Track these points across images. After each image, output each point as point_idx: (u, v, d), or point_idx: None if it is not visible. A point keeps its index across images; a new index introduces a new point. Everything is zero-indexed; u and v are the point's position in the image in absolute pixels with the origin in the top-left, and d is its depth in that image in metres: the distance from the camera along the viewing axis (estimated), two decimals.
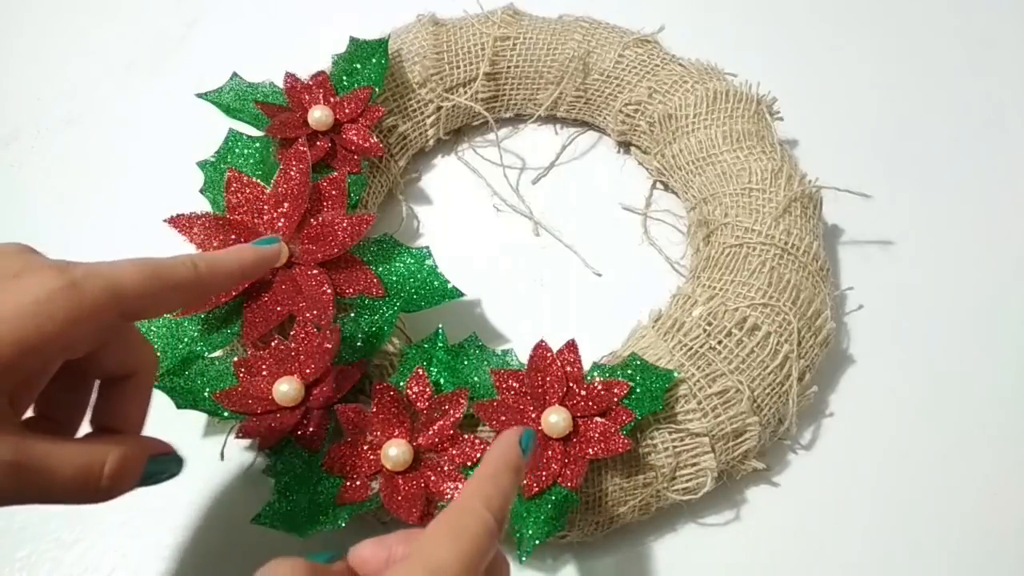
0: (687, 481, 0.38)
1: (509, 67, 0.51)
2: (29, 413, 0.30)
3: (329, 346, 0.37)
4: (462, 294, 0.41)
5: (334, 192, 0.41)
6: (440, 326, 0.40)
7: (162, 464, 0.31)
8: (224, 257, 0.32)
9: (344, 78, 0.47)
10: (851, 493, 0.42)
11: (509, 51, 0.51)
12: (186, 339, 0.39)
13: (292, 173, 0.41)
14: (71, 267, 0.27)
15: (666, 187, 0.51)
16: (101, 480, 0.28)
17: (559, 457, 0.35)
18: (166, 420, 0.41)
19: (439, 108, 0.50)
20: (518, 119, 0.54)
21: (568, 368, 0.37)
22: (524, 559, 0.34)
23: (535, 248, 0.50)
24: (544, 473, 0.35)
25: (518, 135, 0.54)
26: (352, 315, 0.40)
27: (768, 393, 0.40)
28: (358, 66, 0.47)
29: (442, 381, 0.39)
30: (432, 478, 0.35)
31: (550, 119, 0.54)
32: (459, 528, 0.25)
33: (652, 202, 0.51)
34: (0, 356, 0.25)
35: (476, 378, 0.39)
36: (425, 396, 0.37)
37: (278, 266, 0.39)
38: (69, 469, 0.27)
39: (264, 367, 0.38)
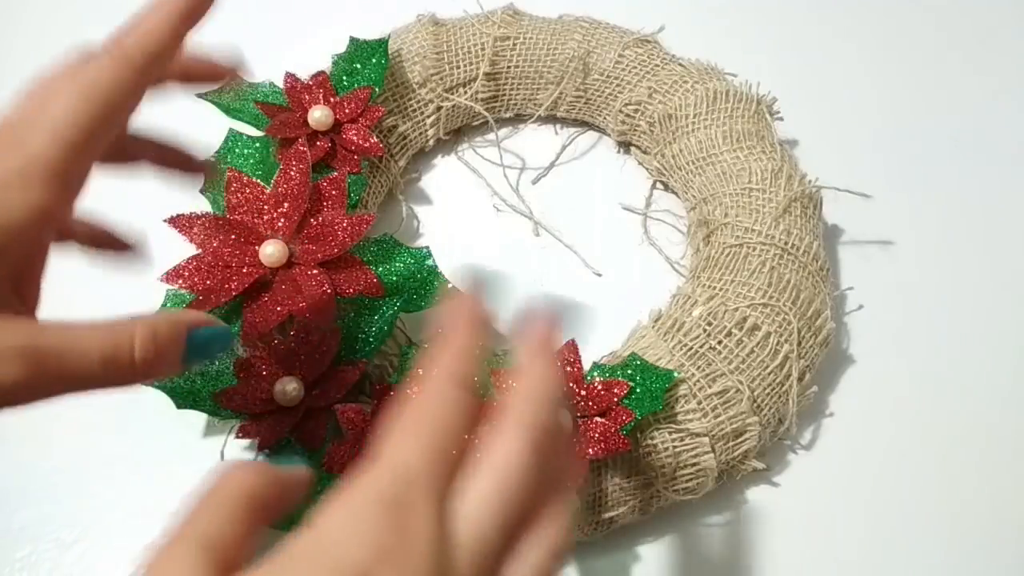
0: (687, 481, 0.38)
1: (509, 67, 0.51)
2: None
3: (329, 346, 0.37)
4: None
5: (334, 192, 0.41)
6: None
7: (205, 335, 0.27)
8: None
9: (344, 78, 0.47)
10: (851, 493, 0.42)
11: (509, 51, 0.51)
12: None
13: (292, 173, 0.41)
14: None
15: (666, 187, 0.51)
16: (133, 354, 0.25)
17: None
18: (166, 420, 0.41)
19: (439, 108, 0.50)
20: (518, 119, 0.54)
21: (568, 368, 0.37)
22: None
23: (535, 248, 0.50)
24: None
25: (518, 135, 0.54)
26: (352, 315, 0.40)
27: (768, 393, 0.40)
28: (358, 66, 0.47)
29: None
30: None
31: (550, 119, 0.54)
32: (423, 417, 0.22)
33: (652, 202, 0.51)
34: None
35: (476, 378, 0.39)
36: None
37: (278, 266, 0.39)
38: (95, 347, 0.25)
39: (264, 367, 0.38)
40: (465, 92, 0.51)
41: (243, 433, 0.37)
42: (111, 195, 0.51)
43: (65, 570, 0.39)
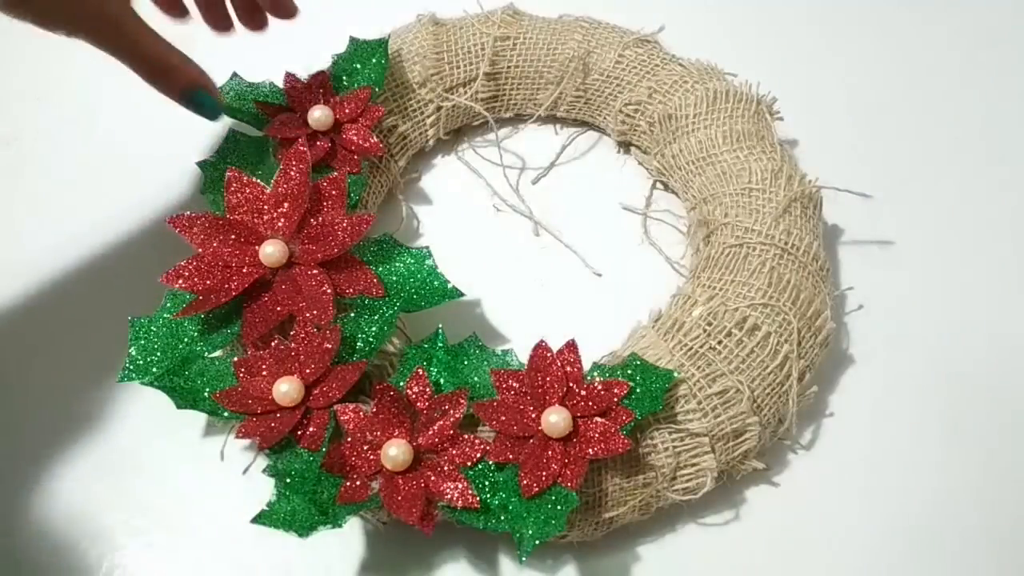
0: (687, 481, 0.38)
1: (509, 67, 0.51)
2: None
3: (329, 346, 0.37)
4: (462, 294, 0.41)
5: (334, 192, 0.41)
6: (440, 326, 0.40)
7: (206, 98, 0.41)
8: None
9: (344, 78, 0.47)
10: (851, 493, 0.42)
11: (509, 51, 0.51)
12: (186, 339, 0.39)
13: (292, 173, 0.41)
14: None
15: (666, 187, 0.51)
16: (170, 61, 0.39)
17: (559, 457, 0.35)
18: (166, 420, 0.41)
19: (439, 108, 0.50)
20: (518, 119, 0.54)
21: (568, 368, 0.37)
22: (524, 559, 0.34)
23: (535, 248, 0.50)
24: (544, 473, 0.35)
25: (518, 135, 0.54)
26: (352, 315, 0.40)
27: (768, 393, 0.40)
28: (358, 66, 0.47)
29: (442, 381, 0.39)
30: (432, 478, 0.36)
31: (550, 119, 0.54)
32: None
33: (652, 202, 0.51)
34: None
35: (476, 378, 0.39)
36: (425, 396, 0.37)
37: (278, 266, 0.39)
38: (152, 44, 0.39)
39: (264, 367, 0.38)
40: (465, 92, 0.51)
41: (243, 433, 0.37)
42: (112, 196, 0.51)
43: (65, 570, 0.39)
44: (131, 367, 0.39)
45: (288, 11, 0.44)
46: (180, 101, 0.41)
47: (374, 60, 0.47)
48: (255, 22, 0.45)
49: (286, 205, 0.40)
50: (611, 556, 0.40)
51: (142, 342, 0.40)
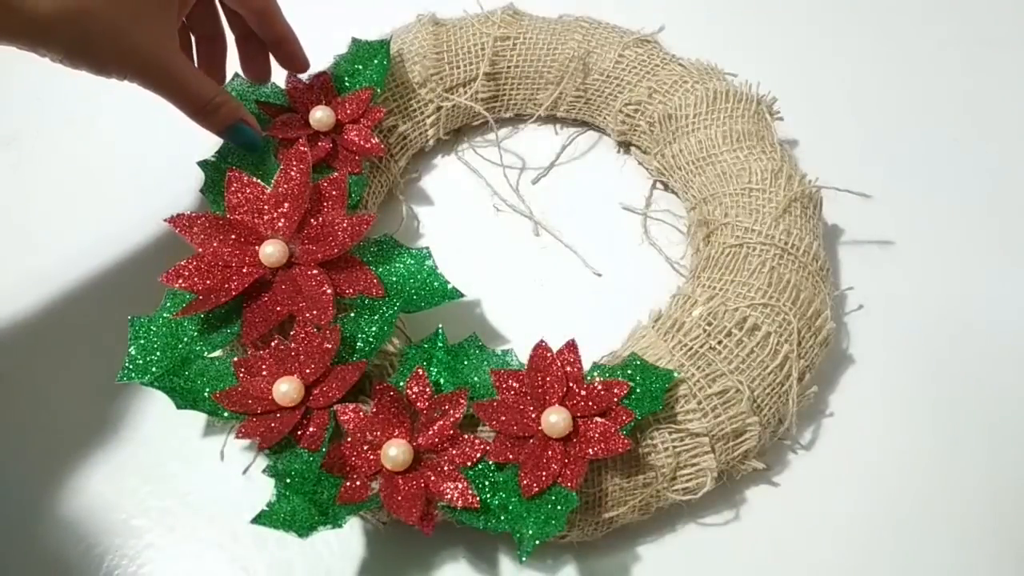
0: (687, 481, 0.38)
1: (509, 67, 0.51)
2: None
3: (329, 346, 0.38)
4: (462, 294, 0.41)
5: (334, 192, 0.41)
6: (440, 326, 0.40)
7: (247, 132, 0.42)
8: None
9: (346, 79, 0.47)
10: (851, 493, 0.42)
11: (509, 51, 0.51)
12: (186, 339, 0.39)
13: (293, 173, 0.41)
14: None
15: (666, 187, 0.51)
16: (210, 102, 0.40)
17: (559, 457, 0.35)
18: (166, 420, 0.41)
19: (439, 108, 0.50)
20: (518, 119, 0.54)
21: (568, 368, 0.37)
22: (524, 559, 0.34)
23: (535, 248, 0.50)
24: (544, 473, 0.35)
25: (518, 135, 0.54)
26: (352, 315, 0.40)
27: (768, 393, 0.40)
28: (360, 67, 0.47)
29: (442, 381, 0.39)
30: (432, 478, 0.36)
31: (550, 119, 0.54)
32: None
33: (652, 202, 0.51)
34: None
35: (476, 378, 0.39)
36: (425, 396, 0.37)
37: (278, 266, 0.39)
38: (196, 83, 0.40)
39: (264, 367, 0.38)
40: (465, 92, 0.51)
41: (243, 433, 0.37)
42: (111, 196, 0.51)
43: (67, 570, 0.39)
44: (131, 367, 0.39)
45: (302, 66, 0.46)
46: (222, 135, 0.42)
47: (376, 61, 0.47)
48: (263, 76, 0.47)
49: (286, 205, 0.40)
50: (611, 556, 0.40)
51: (142, 342, 0.40)
